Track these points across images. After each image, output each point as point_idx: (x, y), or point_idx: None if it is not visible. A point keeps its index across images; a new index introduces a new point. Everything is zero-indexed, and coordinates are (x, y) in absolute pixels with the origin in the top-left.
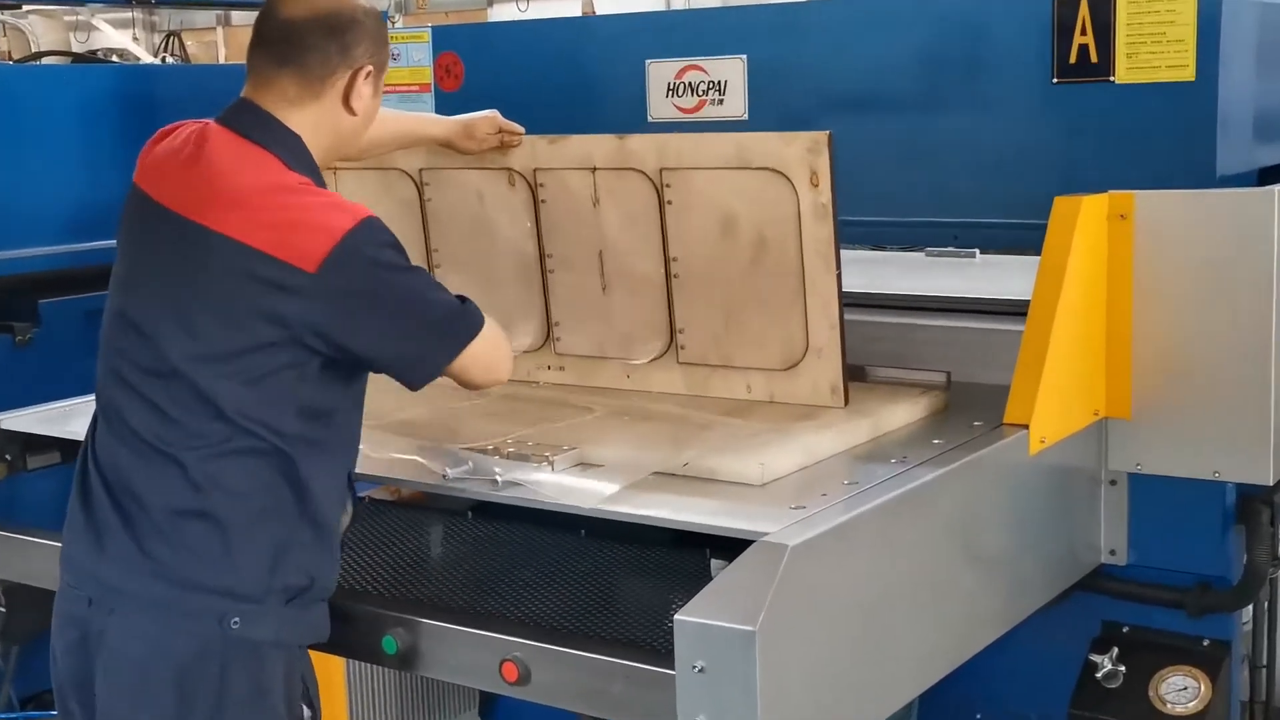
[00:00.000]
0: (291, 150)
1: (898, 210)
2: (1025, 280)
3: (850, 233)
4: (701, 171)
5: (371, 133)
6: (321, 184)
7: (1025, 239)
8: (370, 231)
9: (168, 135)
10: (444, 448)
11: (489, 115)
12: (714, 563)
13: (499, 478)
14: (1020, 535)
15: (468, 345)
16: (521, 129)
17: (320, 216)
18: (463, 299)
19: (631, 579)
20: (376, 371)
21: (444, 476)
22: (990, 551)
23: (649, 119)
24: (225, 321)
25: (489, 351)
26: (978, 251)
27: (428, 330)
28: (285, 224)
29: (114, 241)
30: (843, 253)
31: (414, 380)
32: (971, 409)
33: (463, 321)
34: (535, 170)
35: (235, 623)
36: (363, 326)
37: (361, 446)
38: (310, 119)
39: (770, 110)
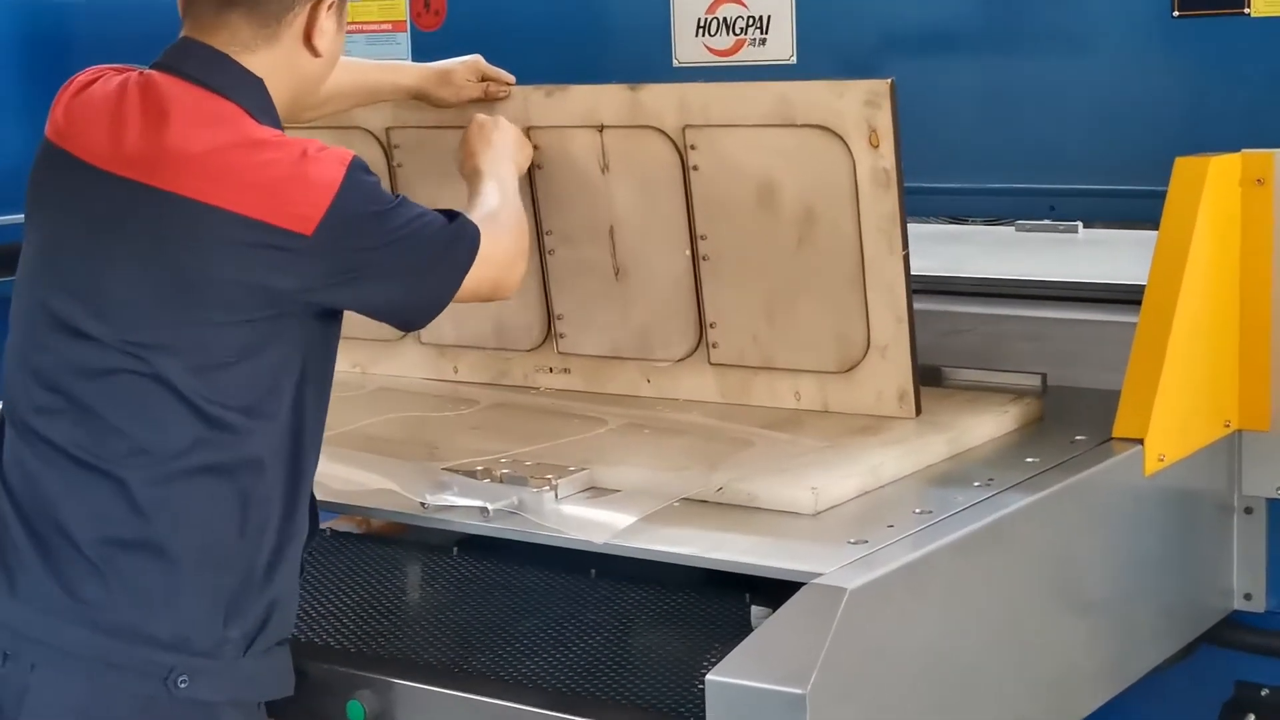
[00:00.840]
0: (255, 100)
1: (980, 174)
2: (1139, 260)
3: (921, 203)
4: (735, 130)
5: (327, 84)
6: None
7: (1139, 209)
8: (360, 177)
9: (91, 83)
10: (422, 468)
11: (471, 60)
12: (754, 610)
13: (490, 506)
14: (1133, 577)
15: (469, 269)
16: (511, 77)
17: (308, 170)
18: (450, 214)
19: (652, 630)
20: (376, 319)
21: (422, 505)
22: (1096, 597)
23: (674, 63)
24: (198, 301)
25: (493, 266)
26: (1080, 225)
27: (429, 267)
28: (270, 182)
29: (17, 216)
30: (912, 228)
31: (417, 323)
32: (1072, 420)
33: (461, 245)
34: (529, 129)
35: (183, 681)
36: (365, 284)
37: (323, 463)
38: (267, 65)
39: (823, 53)
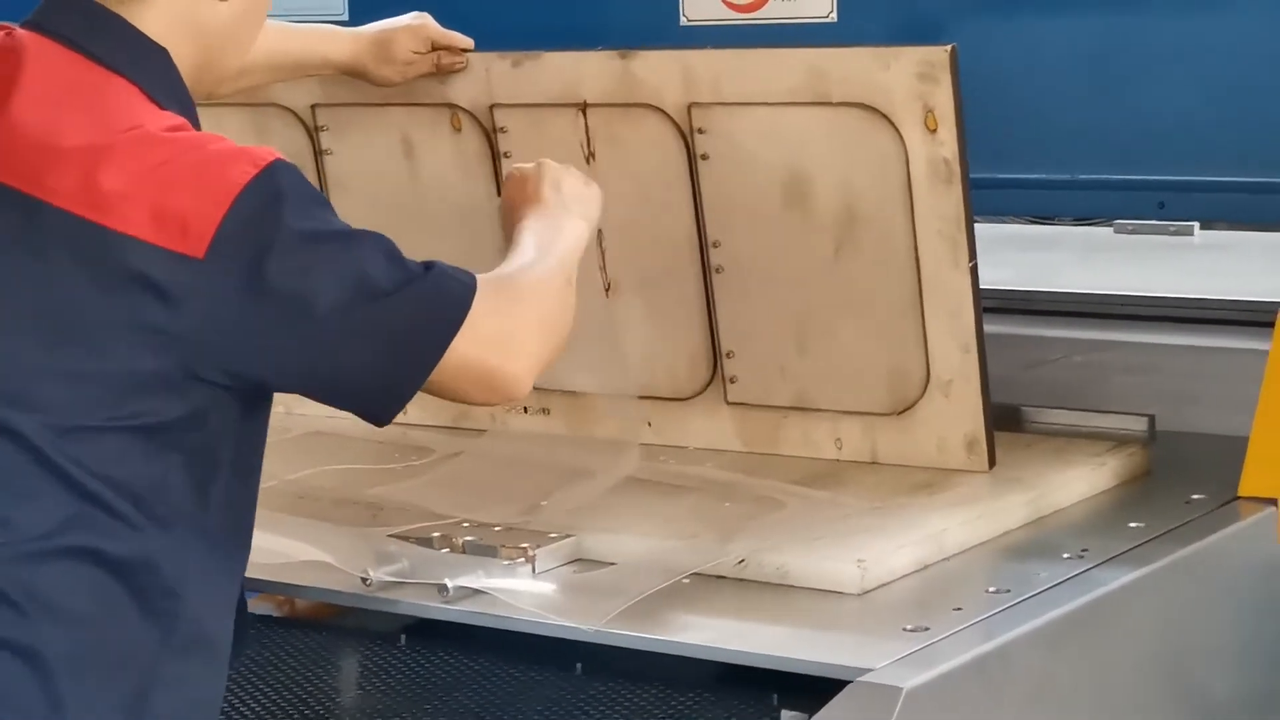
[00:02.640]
0: (156, 73)
1: (1072, 164)
2: (1269, 271)
3: (997, 199)
4: (754, 109)
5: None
6: (195, 121)
7: (1270, 207)
8: (280, 181)
9: None
10: (363, 535)
11: (416, 23)
12: (786, 716)
13: (449, 583)
14: (1263, 670)
15: (448, 343)
16: (467, 41)
17: (205, 170)
18: (428, 265)
19: None
20: (312, 399)
21: (364, 580)
22: (1216, 695)
23: (683, 21)
24: (71, 343)
25: (487, 346)
26: (1196, 226)
27: (388, 331)
28: (160, 186)
29: None
30: (985, 230)
31: (370, 414)
32: (1187, 474)
33: (438, 304)
34: (492, 107)
35: None
36: (282, 342)
37: None
38: (162, 21)
39: (871, 9)
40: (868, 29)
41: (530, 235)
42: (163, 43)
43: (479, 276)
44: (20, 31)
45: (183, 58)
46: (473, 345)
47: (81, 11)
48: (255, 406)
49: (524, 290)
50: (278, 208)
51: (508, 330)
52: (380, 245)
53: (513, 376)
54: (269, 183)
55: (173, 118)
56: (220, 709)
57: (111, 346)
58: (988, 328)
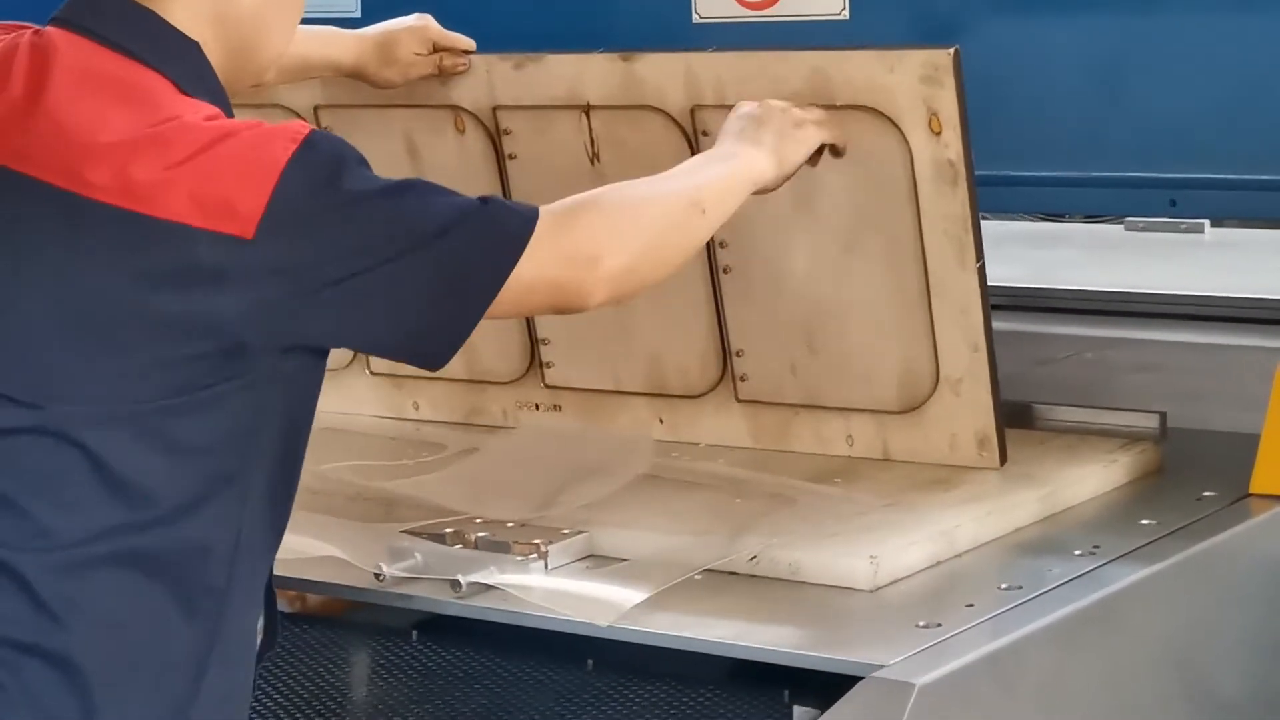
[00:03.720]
0: (186, 65)
1: (1082, 160)
2: None
3: (1007, 196)
4: None
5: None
6: (230, 115)
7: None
8: (318, 153)
9: None
10: (375, 530)
11: (418, 25)
12: (797, 712)
13: (461, 579)
14: (1276, 666)
15: (506, 277)
16: (469, 43)
17: (244, 151)
18: (484, 200)
19: None
20: (379, 356)
21: (377, 576)
22: (1228, 695)
23: (695, 19)
24: (120, 337)
25: (558, 261)
26: (1207, 224)
27: (442, 269)
28: (201, 172)
29: None
30: (998, 227)
31: (434, 356)
32: (1198, 471)
33: (493, 233)
34: (495, 109)
35: None
36: (345, 303)
37: None
38: (190, 9)
39: (885, 7)
40: (880, 26)
41: (684, 164)
42: (191, 35)
43: (553, 204)
44: (48, 30)
45: (212, 49)
46: (534, 267)
47: (111, 6)
48: (310, 372)
49: (604, 206)
50: (320, 177)
51: (572, 241)
52: (428, 190)
53: (579, 283)
54: (310, 155)
55: (207, 107)
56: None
57: (155, 336)
58: (999, 325)
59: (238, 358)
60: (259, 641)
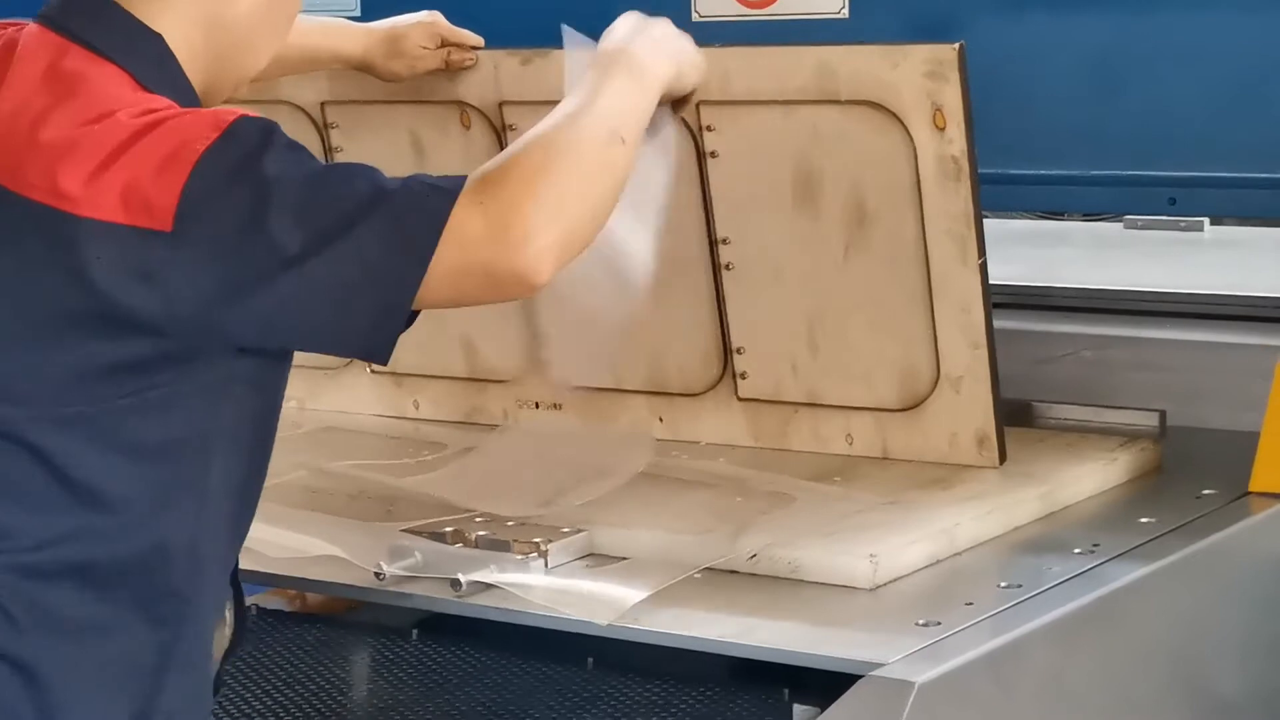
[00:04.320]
0: (146, 58)
1: (1082, 159)
2: None
3: (1007, 195)
4: (762, 106)
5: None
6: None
7: None
8: (240, 139)
9: None
10: (376, 530)
11: (427, 21)
12: (797, 710)
13: (462, 577)
14: (1275, 665)
15: (430, 256)
16: (477, 39)
17: (167, 143)
18: (406, 181)
19: None
20: (311, 351)
21: (377, 575)
22: (1228, 694)
23: (695, 17)
24: (62, 338)
25: (477, 243)
26: (1206, 222)
27: (360, 258)
28: (126, 167)
29: None
30: (997, 225)
31: (363, 351)
32: (1198, 469)
33: (410, 216)
34: (501, 104)
35: None
36: (261, 296)
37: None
38: (173, 16)
39: (884, 3)
40: (879, 25)
41: (566, 101)
42: (180, 37)
43: (471, 175)
44: (29, 25)
45: (201, 54)
46: (458, 250)
47: (86, 6)
48: (266, 380)
49: (525, 171)
50: (240, 166)
51: (499, 221)
52: (352, 174)
53: (517, 268)
54: (230, 143)
55: (157, 100)
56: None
57: (93, 336)
58: (998, 323)
59: (183, 359)
60: (228, 640)
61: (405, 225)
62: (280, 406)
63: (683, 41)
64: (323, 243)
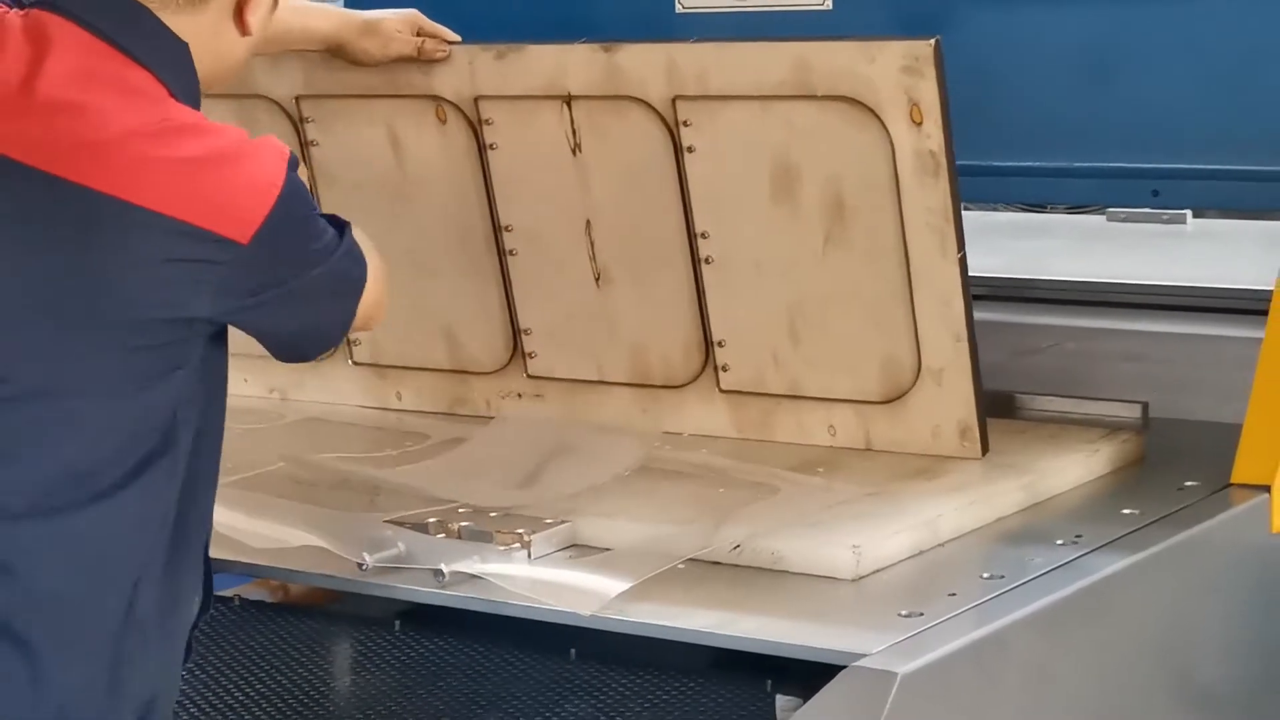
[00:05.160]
0: (178, 75)
1: (1065, 151)
2: (1262, 260)
3: (990, 186)
4: (739, 102)
5: None
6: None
7: (1263, 195)
8: (297, 175)
9: None
10: (359, 520)
11: (406, 13)
12: (780, 701)
13: (444, 568)
14: (1257, 658)
15: (360, 296)
16: (454, 36)
17: (245, 164)
18: (335, 221)
19: None
20: (263, 344)
21: (360, 566)
22: (1210, 683)
23: (679, 9)
24: (94, 319)
25: (377, 288)
26: (1189, 214)
27: (334, 289)
28: (203, 177)
29: None
30: (981, 218)
31: (310, 355)
32: (1180, 461)
33: (358, 262)
34: (477, 99)
35: None
36: (280, 305)
37: (231, 514)
38: (187, 33)
39: None
40: (863, 17)
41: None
42: (185, 35)
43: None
44: (37, 12)
45: (201, 51)
46: (372, 287)
47: (115, 4)
48: (221, 351)
49: (379, 271)
50: (298, 198)
51: (380, 271)
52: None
53: (381, 309)
54: (293, 176)
55: (192, 112)
56: (173, 701)
57: (146, 322)
58: (981, 315)
59: (186, 344)
60: (195, 610)
61: (358, 264)
62: (226, 386)
63: None
64: (321, 272)
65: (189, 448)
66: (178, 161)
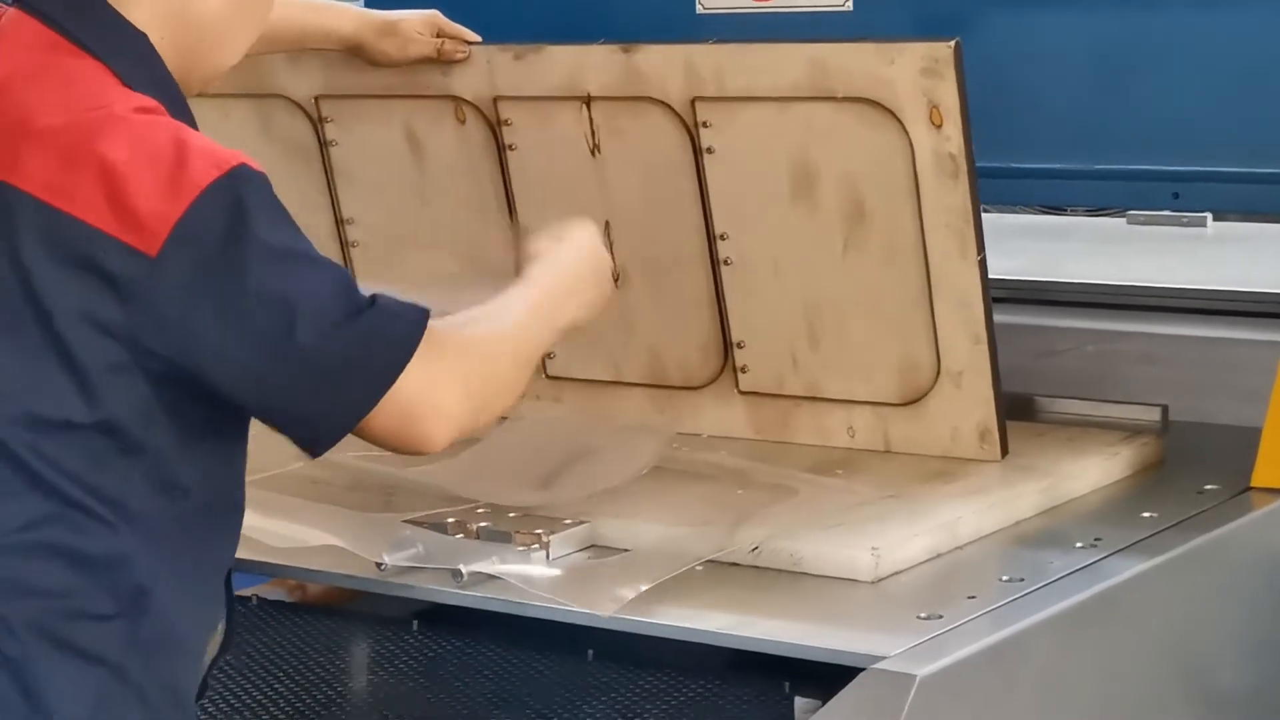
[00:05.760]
0: (132, 57)
1: (1084, 153)
2: None
3: (1010, 189)
4: (758, 103)
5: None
6: (182, 108)
7: None
8: (240, 187)
9: None
10: (376, 520)
11: (426, 14)
12: (798, 703)
13: (463, 568)
14: (1276, 660)
15: (394, 380)
16: (475, 36)
17: (169, 165)
18: (373, 300)
19: None
20: (264, 420)
21: (378, 566)
22: (1229, 688)
23: (699, 9)
24: (35, 331)
25: (427, 395)
26: (1209, 217)
27: (328, 359)
28: (121, 174)
29: None
30: (1001, 220)
31: (307, 441)
32: (1200, 465)
33: (381, 341)
34: (496, 99)
35: None
36: (227, 345)
37: (249, 513)
38: (148, 11)
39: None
40: (883, 18)
41: (526, 292)
42: (148, 32)
43: (432, 323)
44: (10, 9)
45: (168, 48)
46: (412, 385)
47: None
48: (222, 415)
49: (483, 345)
50: (236, 214)
51: (449, 380)
52: (335, 274)
53: (427, 435)
54: (231, 187)
55: (142, 99)
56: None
57: (71, 335)
58: (1001, 317)
59: (143, 374)
60: (216, 646)
61: (378, 345)
62: (246, 430)
63: (605, 264)
64: (299, 331)
65: (200, 479)
66: (99, 156)
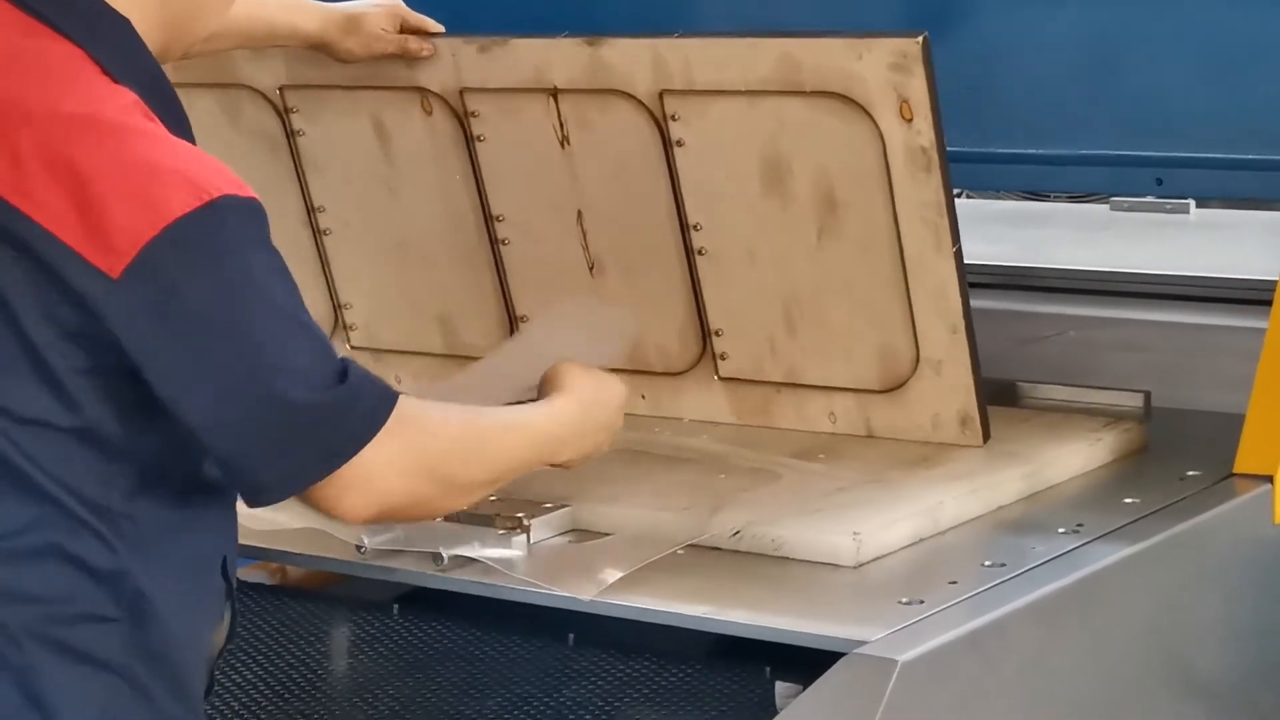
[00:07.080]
0: (116, 45)
1: (1067, 139)
2: (1266, 249)
3: (993, 174)
4: (727, 96)
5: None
6: (169, 100)
7: (1268, 185)
8: (220, 218)
9: None
10: None
11: (389, 6)
12: (779, 688)
13: (443, 552)
14: (1257, 649)
15: (359, 448)
16: (438, 26)
17: (146, 184)
18: (344, 371)
19: (647, 713)
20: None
21: (358, 549)
22: (1210, 674)
23: None
24: (9, 335)
25: (406, 467)
26: (1192, 204)
27: (290, 416)
28: (93, 186)
29: None
30: (983, 205)
31: (250, 491)
32: (1182, 450)
33: (356, 409)
34: (462, 91)
35: None
36: (184, 381)
37: None
38: None
39: None
40: (860, 10)
41: (537, 413)
42: (129, 14)
43: (402, 400)
44: None
45: (151, 27)
46: (386, 450)
47: None
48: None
49: (461, 432)
50: (207, 250)
51: (425, 451)
52: (314, 334)
53: (353, 506)
54: (206, 220)
55: (130, 98)
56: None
57: (38, 338)
58: (983, 303)
59: (109, 383)
60: (223, 636)
61: (355, 411)
62: None
63: (618, 421)
64: (260, 383)
65: (189, 478)
66: (70, 163)
